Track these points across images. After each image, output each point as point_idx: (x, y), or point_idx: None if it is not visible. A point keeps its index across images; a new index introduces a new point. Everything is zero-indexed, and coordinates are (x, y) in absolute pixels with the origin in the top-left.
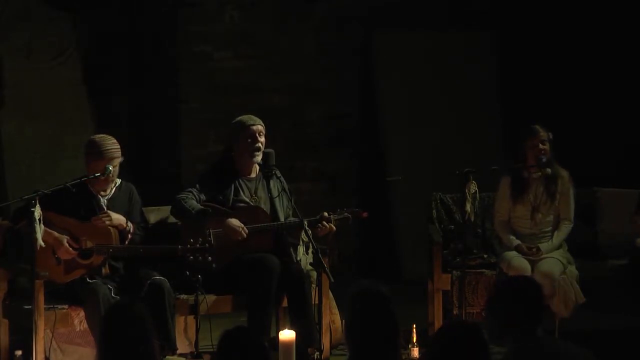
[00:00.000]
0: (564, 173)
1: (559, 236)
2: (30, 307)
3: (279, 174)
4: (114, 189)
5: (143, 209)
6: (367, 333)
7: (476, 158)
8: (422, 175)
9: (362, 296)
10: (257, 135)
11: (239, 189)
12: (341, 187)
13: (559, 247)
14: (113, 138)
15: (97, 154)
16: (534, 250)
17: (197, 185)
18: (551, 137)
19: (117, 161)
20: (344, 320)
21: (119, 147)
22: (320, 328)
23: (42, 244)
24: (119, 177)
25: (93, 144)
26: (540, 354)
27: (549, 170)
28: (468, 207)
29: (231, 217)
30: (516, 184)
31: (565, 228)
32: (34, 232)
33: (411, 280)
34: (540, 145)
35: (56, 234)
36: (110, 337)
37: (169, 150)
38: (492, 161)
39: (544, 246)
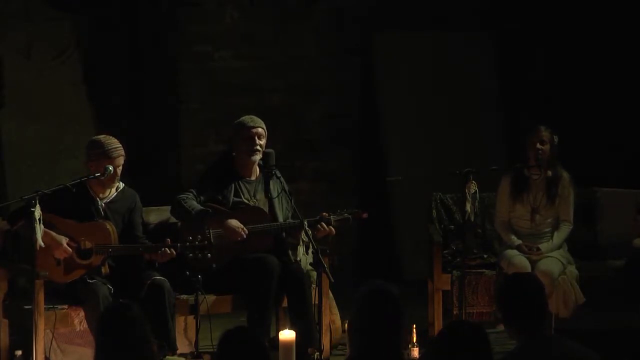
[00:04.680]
0: (565, 175)
1: (560, 237)
2: (30, 307)
3: (279, 174)
4: (115, 192)
5: (143, 209)
6: (373, 333)
7: (476, 158)
8: (422, 175)
9: (373, 295)
10: (255, 137)
11: (239, 190)
12: (341, 187)
13: (559, 247)
14: (115, 139)
15: (102, 153)
16: (535, 249)
17: (197, 186)
18: (555, 140)
19: (121, 160)
20: (348, 319)
21: (122, 147)
22: (320, 328)
23: (42, 244)
24: (122, 182)
25: (97, 144)
26: (547, 353)
27: (549, 172)
28: (468, 207)
29: (231, 218)
30: (516, 183)
31: (565, 229)
32: (34, 232)
33: (411, 280)
34: (538, 145)
35: (55, 234)
36: (106, 339)
37: (169, 150)
38: (492, 161)
39: (544, 246)
